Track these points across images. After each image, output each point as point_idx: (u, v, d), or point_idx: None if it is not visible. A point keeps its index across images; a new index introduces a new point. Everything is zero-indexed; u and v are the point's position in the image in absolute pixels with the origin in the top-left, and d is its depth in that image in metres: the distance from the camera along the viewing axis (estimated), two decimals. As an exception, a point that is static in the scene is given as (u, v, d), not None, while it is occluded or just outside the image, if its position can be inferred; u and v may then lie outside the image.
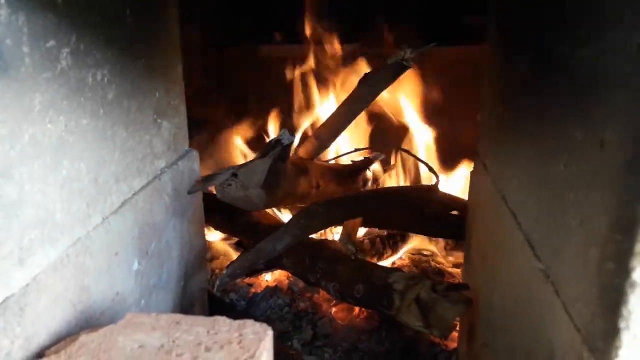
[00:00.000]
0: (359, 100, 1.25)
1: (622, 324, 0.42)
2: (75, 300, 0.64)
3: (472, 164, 1.07)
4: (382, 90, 1.23)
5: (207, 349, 0.56)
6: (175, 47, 0.95)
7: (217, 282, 0.98)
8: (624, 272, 0.41)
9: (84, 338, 0.57)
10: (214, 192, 1.02)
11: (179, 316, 0.61)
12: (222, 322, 0.60)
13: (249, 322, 0.60)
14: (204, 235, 1.10)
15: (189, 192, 0.98)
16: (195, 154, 1.02)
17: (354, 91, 1.23)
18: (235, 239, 1.52)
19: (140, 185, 0.83)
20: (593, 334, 0.47)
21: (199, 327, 0.59)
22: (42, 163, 0.58)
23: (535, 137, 0.66)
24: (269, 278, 1.43)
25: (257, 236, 1.22)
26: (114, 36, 0.73)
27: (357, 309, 1.28)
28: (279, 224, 1.28)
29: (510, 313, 0.74)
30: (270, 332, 0.59)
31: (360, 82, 1.21)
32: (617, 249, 0.42)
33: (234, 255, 1.47)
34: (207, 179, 1.00)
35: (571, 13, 0.55)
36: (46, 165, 0.58)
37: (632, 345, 0.42)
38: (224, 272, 1.00)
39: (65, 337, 0.60)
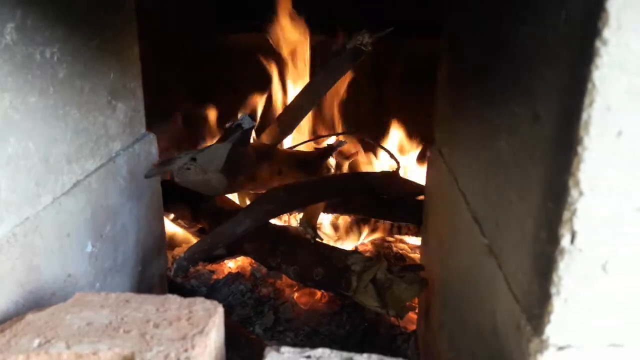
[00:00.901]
0: (320, 86, 1.25)
1: (553, 290, 0.44)
2: (23, 280, 0.64)
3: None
4: (341, 75, 1.24)
5: (156, 326, 0.56)
6: (132, 28, 0.94)
7: (175, 266, 0.98)
8: (554, 239, 0.42)
9: (30, 317, 0.57)
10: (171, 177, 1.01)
11: (128, 295, 0.61)
12: (172, 300, 0.60)
13: (199, 300, 0.61)
14: (162, 220, 1.09)
15: (146, 176, 0.97)
16: (152, 137, 1.01)
17: (314, 77, 1.24)
18: (198, 226, 1.51)
19: (94, 166, 0.82)
20: (530, 302, 0.48)
21: (149, 305, 0.59)
22: (-15, 139, 0.57)
23: (482, 116, 0.67)
24: (231, 265, 1.42)
25: (219, 222, 1.22)
26: (64, 14, 0.72)
27: (319, 293, 1.29)
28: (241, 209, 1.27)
29: (462, 291, 0.76)
30: (220, 309, 0.59)
31: (320, 68, 1.22)
32: (548, 218, 0.44)
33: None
34: (164, 163, 0.99)
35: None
36: (-11, 142, 0.57)
37: (563, 310, 0.44)
38: (182, 255, 1.00)
39: (13, 317, 0.59)
